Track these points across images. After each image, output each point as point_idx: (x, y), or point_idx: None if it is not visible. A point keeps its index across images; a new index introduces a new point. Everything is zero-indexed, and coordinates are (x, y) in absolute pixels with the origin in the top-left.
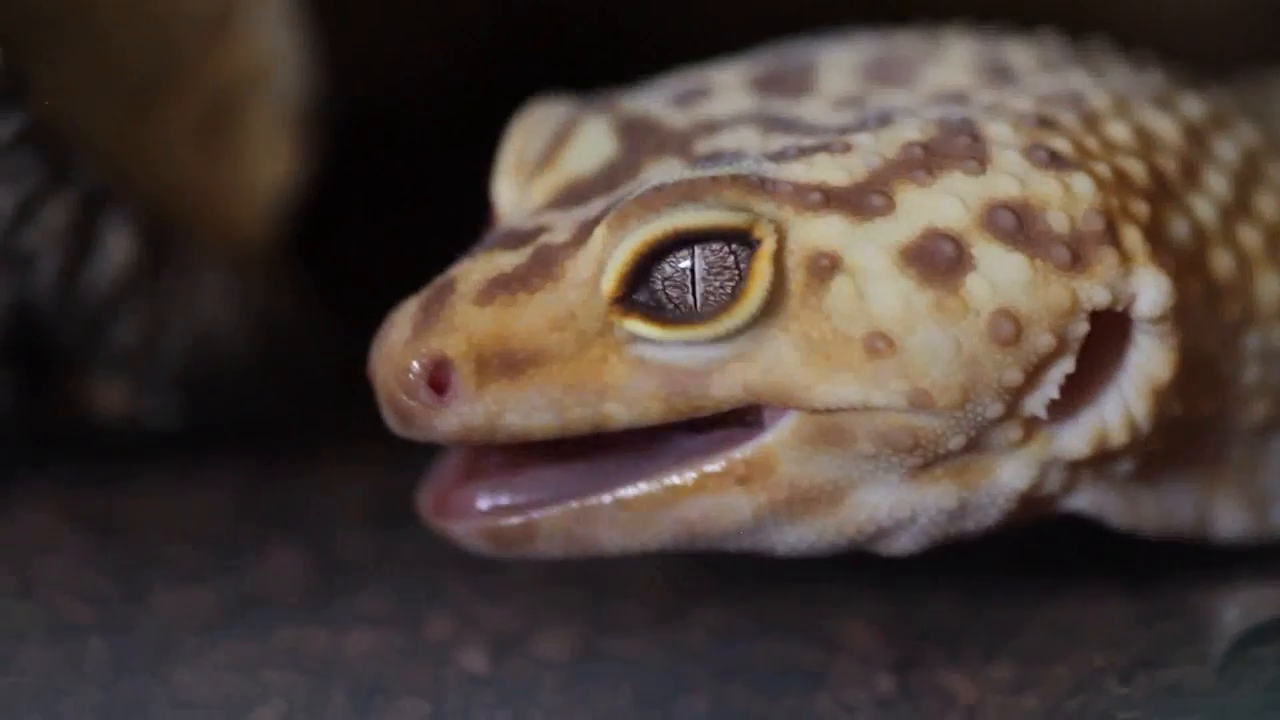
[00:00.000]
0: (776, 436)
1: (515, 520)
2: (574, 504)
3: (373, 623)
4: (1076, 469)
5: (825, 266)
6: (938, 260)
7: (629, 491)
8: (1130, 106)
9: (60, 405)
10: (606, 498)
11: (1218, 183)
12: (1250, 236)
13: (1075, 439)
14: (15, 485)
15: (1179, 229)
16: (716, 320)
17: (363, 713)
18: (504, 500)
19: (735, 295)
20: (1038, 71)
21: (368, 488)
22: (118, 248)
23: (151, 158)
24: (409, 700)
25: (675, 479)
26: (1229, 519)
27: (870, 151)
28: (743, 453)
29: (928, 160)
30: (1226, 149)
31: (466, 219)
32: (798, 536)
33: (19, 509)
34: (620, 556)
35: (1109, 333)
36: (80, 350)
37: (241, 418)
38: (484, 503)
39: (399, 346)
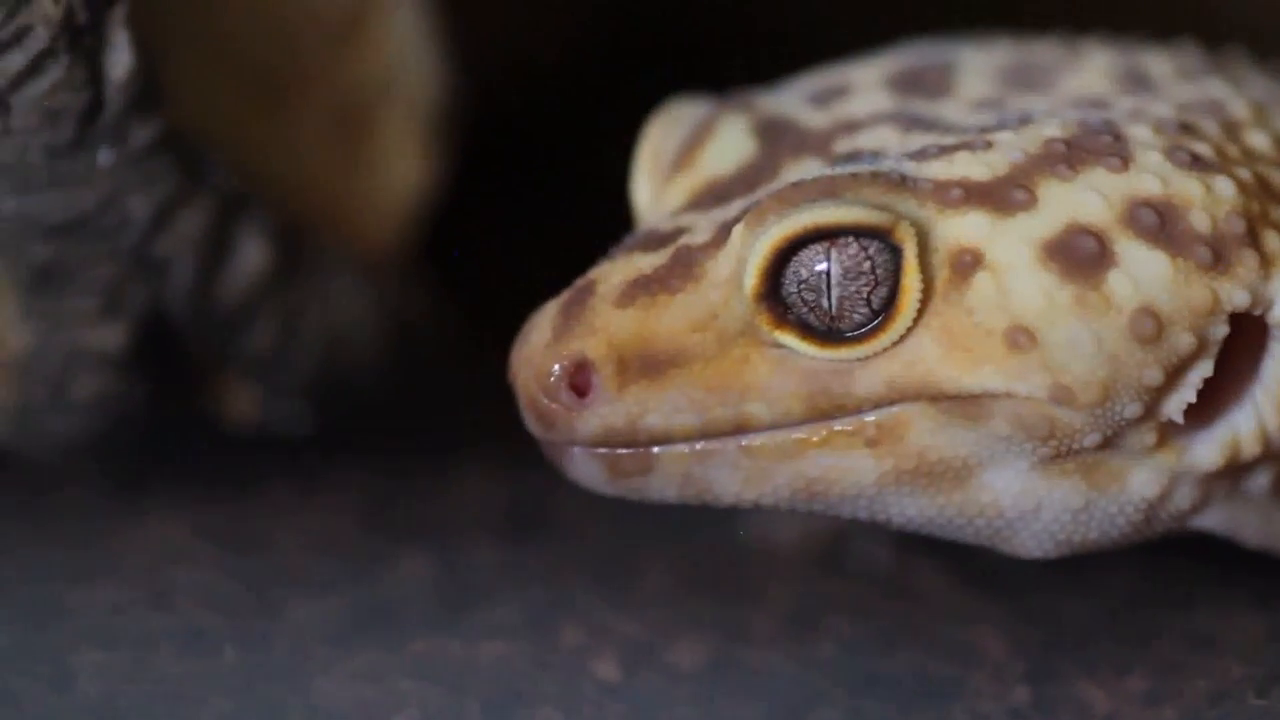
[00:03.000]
0: (912, 405)
1: (635, 450)
2: (698, 444)
3: (505, 632)
4: (1209, 483)
5: (968, 263)
6: (1080, 255)
7: (755, 439)
8: (1270, 116)
9: (194, 411)
10: (731, 442)
11: None
12: None
13: (1208, 449)
14: (148, 493)
15: None
16: (873, 339)
17: None
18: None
19: (884, 309)
20: (1177, 80)
21: (498, 495)
22: (252, 253)
23: (283, 162)
24: (542, 710)
25: (803, 433)
26: None
27: (1012, 147)
28: (875, 416)
29: (1070, 156)
30: None
31: (597, 217)
32: (918, 509)
33: (151, 517)
34: (733, 507)
35: (1247, 341)
36: (213, 356)
37: (373, 423)
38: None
39: (540, 349)
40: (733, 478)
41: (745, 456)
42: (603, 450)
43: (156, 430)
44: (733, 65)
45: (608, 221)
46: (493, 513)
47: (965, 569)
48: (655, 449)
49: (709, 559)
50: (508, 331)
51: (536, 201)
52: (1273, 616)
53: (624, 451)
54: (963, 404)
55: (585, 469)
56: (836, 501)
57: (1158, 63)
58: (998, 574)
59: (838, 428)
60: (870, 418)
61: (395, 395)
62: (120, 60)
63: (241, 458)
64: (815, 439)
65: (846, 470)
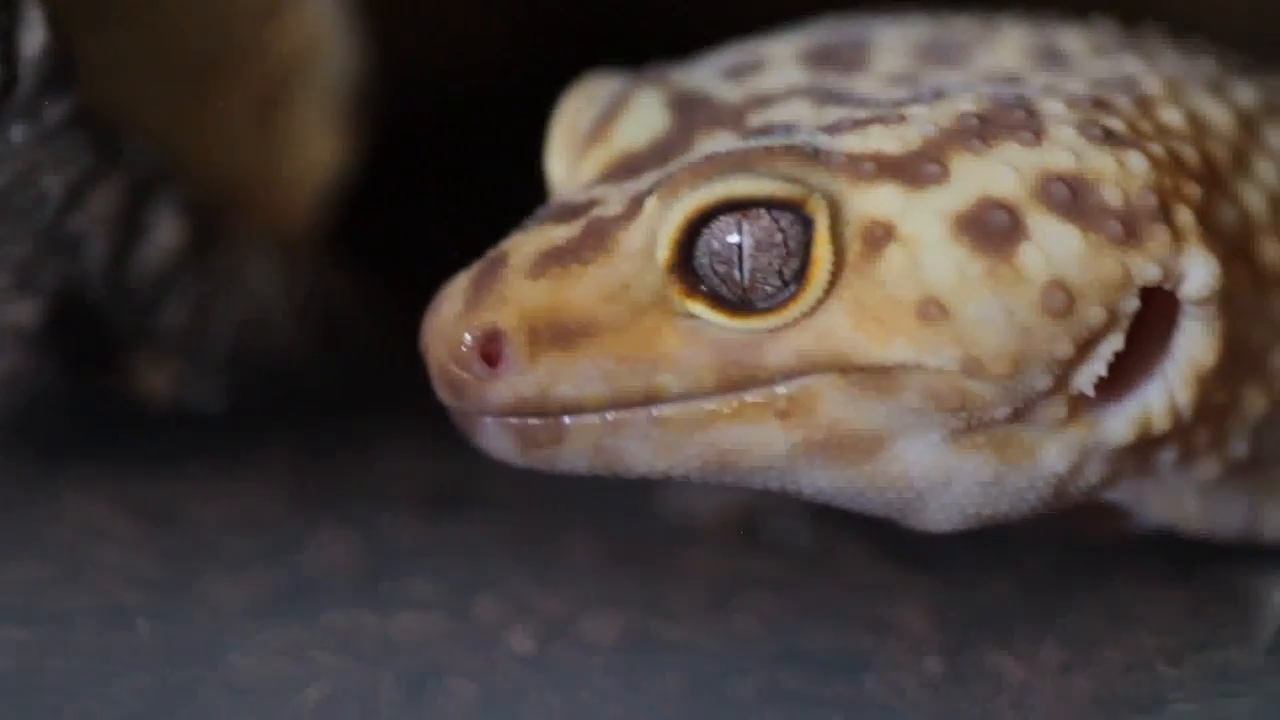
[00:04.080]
0: (822, 377)
1: (546, 421)
2: (609, 414)
3: (422, 606)
4: (1119, 459)
5: (879, 236)
6: (992, 229)
7: (666, 409)
8: (1183, 92)
9: (109, 388)
10: (642, 412)
11: (1268, 172)
12: None
13: (1119, 424)
14: (65, 470)
15: (1228, 215)
16: (783, 310)
17: (412, 695)
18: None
19: (795, 281)
20: (1091, 56)
21: (417, 471)
22: (166, 231)
23: (203, 141)
24: (458, 682)
25: (714, 404)
26: (1278, 520)
27: (925, 121)
28: (786, 388)
29: (983, 130)
30: (1278, 138)
31: (515, 196)
32: (829, 480)
33: (69, 493)
34: (643, 477)
35: (1158, 316)
36: (129, 333)
37: (290, 401)
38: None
39: (451, 319)
40: (643, 448)
41: (656, 427)
42: (514, 421)
43: (73, 407)
44: (665, 47)
45: (528, 201)
46: (412, 489)
47: (884, 543)
48: (566, 419)
49: (627, 534)
50: (425, 309)
51: (466, 181)
52: (1189, 589)
53: (535, 422)
54: (874, 376)
55: (496, 440)
56: (747, 473)
57: (1073, 39)
58: (916, 547)
59: (749, 399)
60: (781, 389)
61: (313, 373)
62: (33, 37)
63: (159, 435)
64: (726, 410)
65: (757, 441)
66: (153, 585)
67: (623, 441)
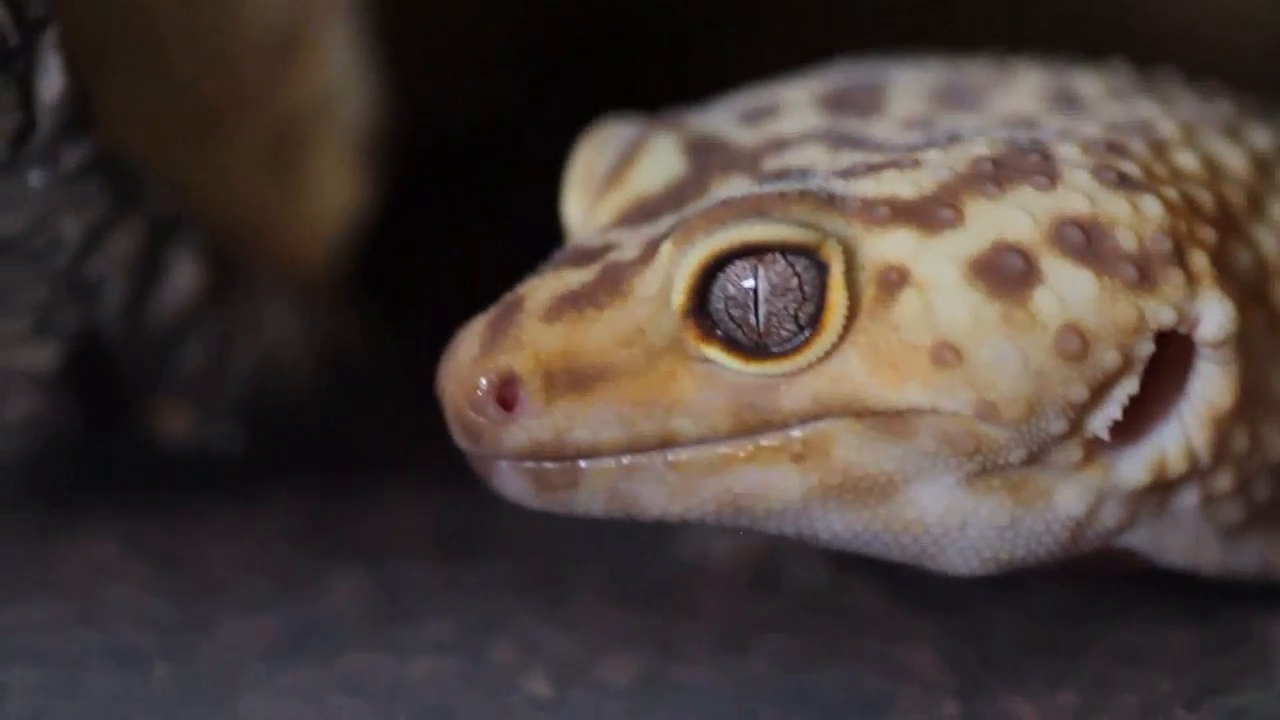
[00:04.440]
0: (837, 421)
1: (561, 464)
2: (625, 458)
3: (436, 649)
4: (1137, 501)
5: (894, 280)
6: (1006, 273)
7: (681, 453)
8: (1198, 136)
9: (125, 431)
10: (658, 456)
11: None
12: None
13: (1134, 467)
14: (80, 512)
15: (1243, 259)
16: (798, 355)
17: None
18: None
19: (810, 325)
20: (1106, 100)
21: (430, 514)
22: (184, 275)
23: (217, 186)
24: None
25: (730, 448)
26: None
27: (939, 165)
28: (802, 431)
29: (997, 174)
30: None
31: (532, 241)
32: (844, 525)
33: (84, 536)
34: (659, 521)
35: (1173, 359)
36: (146, 376)
37: (305, 444)
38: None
39: (467, 363)
40: (659, 492)
41: (671, 471)
42: (529, 464)
43: (89, 450)
44: (681, 91)
45: (544, 244)
46: (425, 530)
47: (898, 585)
48: (582, 463)
49: (641, 575)
50: (441, 352)
51: (483, 226)
52: (1203, 630)
53: (550, 465)
54: (888, 420)
55: (512, 483)
56: (763, 516)
57: (1087, 83)
58: (930, 590)
59: (764, 443)
60: (796, 433)
61: (328, 416)
62: (52, 83)
63: (174, 477)
64: (741, 454)
65: (772, 485)
66: (166, 627)
67: (638, 485)
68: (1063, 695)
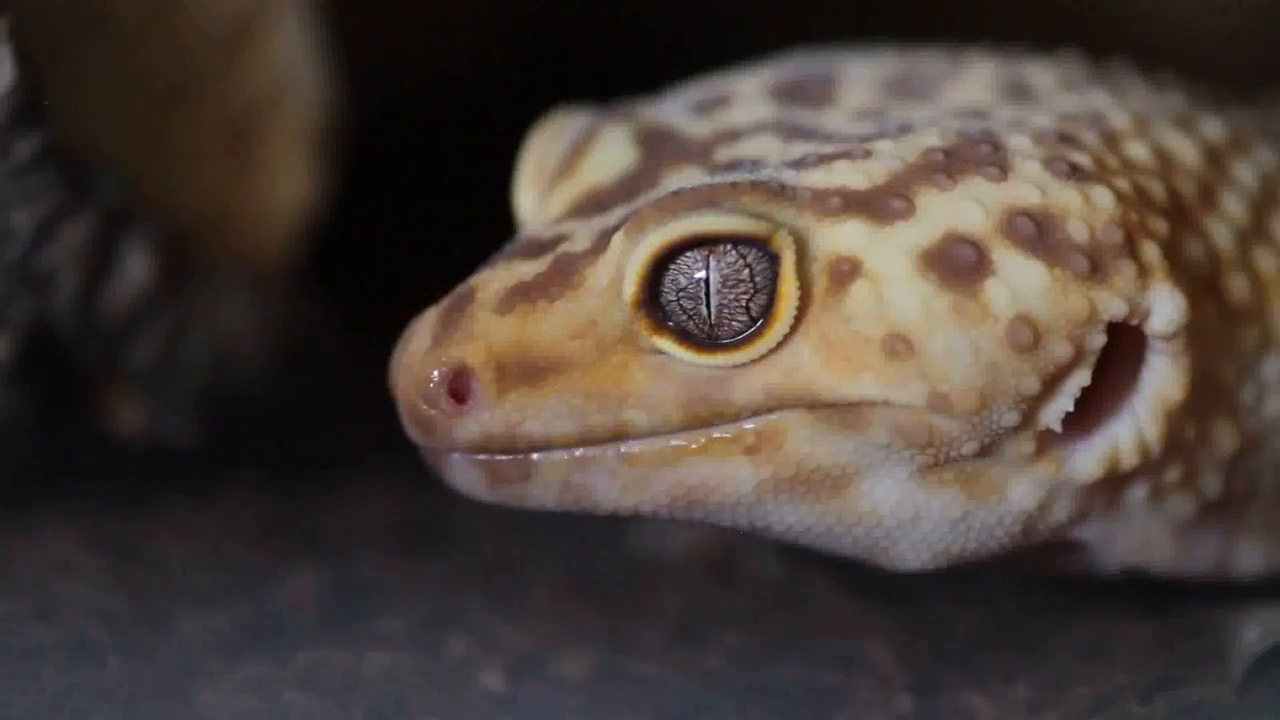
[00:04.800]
0: (790, 413)
1: (514, 457)
2: (577, 450)
3: (392, 643)
4: (1088, 495)
5: (845, 271)
6: (957, 264)
7: (634, 446)
8: (1150, 127)
9: (79, 423)
10: (610, 449)
11: (1235, 206)
12: (1267, 262)
13: (1087, 460)
14: (34, 505)
15: (1195, 251)
16: (750, 345)
17: None
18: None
19: (762, 317)
20: (1058, 91)
21: (386, 508)
22: (137, 266)
23: (171, 176)
24: None
25: (682, 440)
26: (1251, 557)
27: (891, 156)
28: (754, 424)
29: (948, 165)
30: (1245, 173)
31: (486, 232)
32: (797, 518)
33: (37, 529)
34: (612, 515)
35: (1125, 351)
36: (99, 368)
37: (260, 437)
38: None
39: (419, 355)
40: (611, 485)
41: (624, 464)
42: (482, 457)
43: (43, 442)
44: (636, 80)
45: (497, 235)
46: (381, 525)
47: (854, 580)
48: (535, 456)
49: (597, 570)
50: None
51: (436, 215)
52: (1159, 625)
53: (503, 458)
54: (841, 412)
55: (464, 476)
56: (716, 510)
57: (1040, 73)
58: (886, 585)
59: (716, 435)
60: (749, 425)
61: (283, 408)
62: (2, 74)
63: (129, 470)
64: (694, 446)
65: (725, 478)
66: (121, 621)
67: (591, 478)
68: (1017, 689)
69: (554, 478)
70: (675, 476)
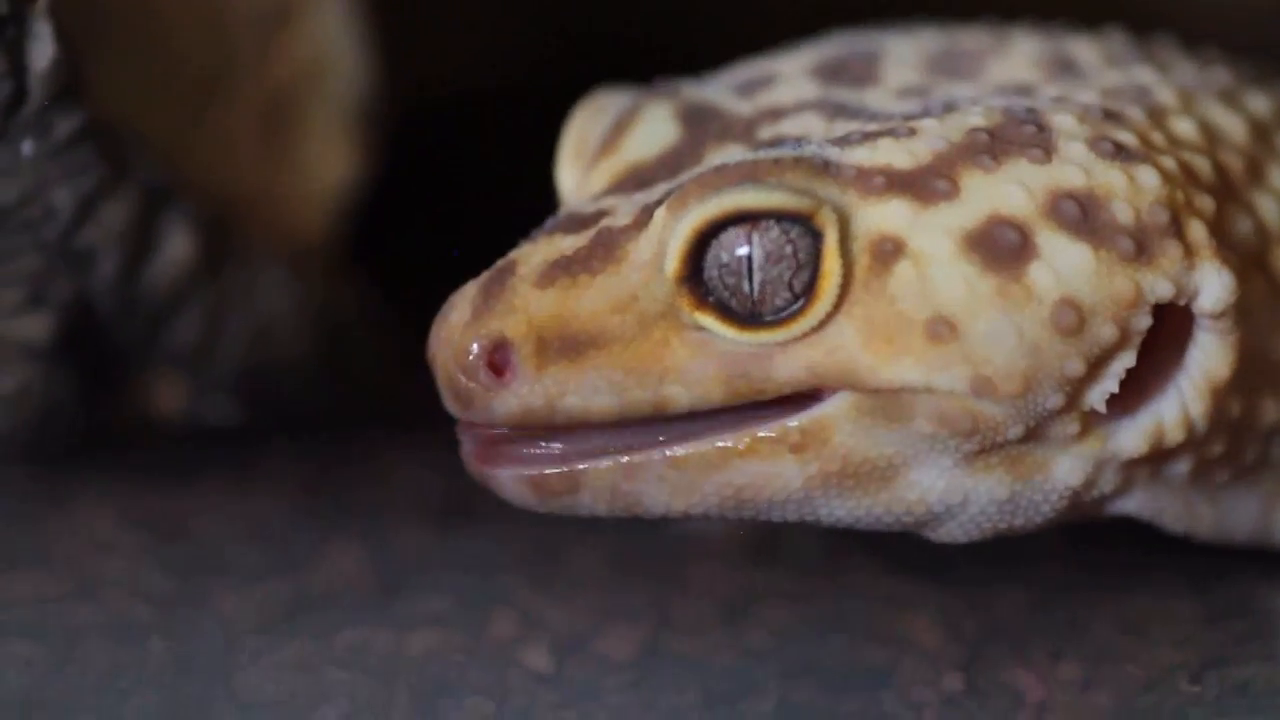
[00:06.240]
0: (834, 407)
1: (561, 469)
2: (624, 458)
3: (435, 621)
4: (1131, 469)
5: (889, 251)
6: (1001, 247)
7: (680, 450)
8: (1196, 102)
9: (120, 403)
10: (656, 454)
11: None
12: None
13: (1132, 437)
14: (75, 484)
15: (1242, 226)
16: (792, 323)
17: (426, 712)
18: (552, 449)
19: (804, 294)
20: (1103, 67)
21: (428, 485)
22: (177, 246)
23: (210, 156)
24: (472, 700)
25: (728, 441)
26: None
27: (935, 136)
28: (798, 420)
29: (993, 146)
30: None
31: (526, 210)
32: (846, 510)
33: (79, 508)
34: (663, 519)
35: (1171, 330)
36: (139, 348)
37: (300, 415)
38: (530, 450)
39: (459, 328)
40: (660, 490)
41: (671, 468)
42: (528, 472)
43: (83, 422)
44: (677, 65)
45: (537, 213)
46: (423, 502)
47: (899, 555)
48: (581, 465)
49: (640, 547)
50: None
51: (477, 196)
52: (1207, 601)
53: (550, 472)
54: (885, 403)
55: (512, 491)
56: (765, 507)
57: (1085, 49)
58: (931, 560)
59: (761, 434)
60: (794, 423)
61: (323, 387)
62: (43, 51)
63: (169, 449)
64: (740, 447)
65: (773, 476)
66: (162, 600)
67: (639, 485)
68: (1065, 667)
69: (602, 486)
70: (723, 478)
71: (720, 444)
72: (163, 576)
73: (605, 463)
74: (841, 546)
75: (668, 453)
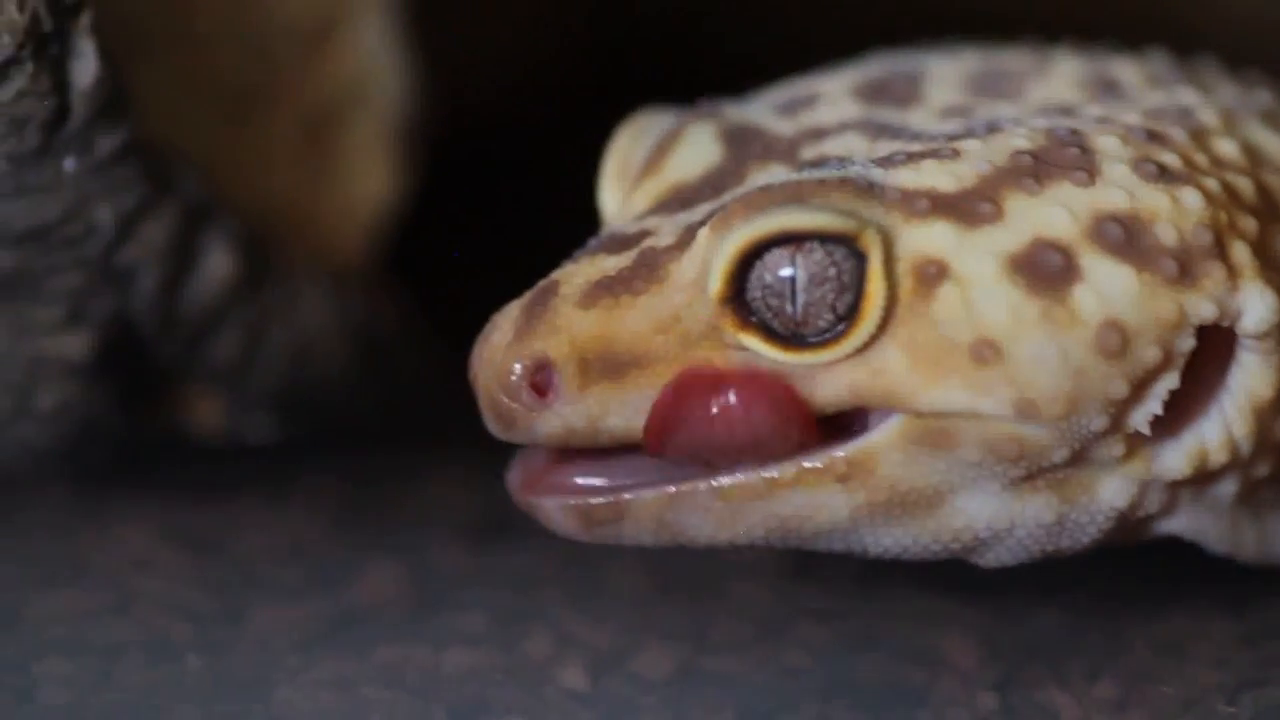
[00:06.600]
0: (881, 437)
1: (606, 499)
2: (669, 488)
3: (472, 640)
4: (1176, 490)
5: (933, 274)
6: (1046, 270)
7: (725, 480)
8: (1239, 123)
9: (159, 420)
10: (702, 485)
11: None
12: None
13: (1176, 458)
14: (114, 500)
15: None
16: (836, 345)
17: None
18: (597, 481)
19: (848, 316)
20: (1145, 88)
21: (465, 503)
22: (218, 263)
23: (251, 172)
24: (509, 718)
25: (774, 472)
26: None
27: (979, 158)
28: (845, 451)
29: (1036, 169)
30: None
31: (566, 230)
32: (893, 540)
33: (117, 525)
34: (708, 549)
35: (1214, 351)
36: (180, 364)
37: (339, 432)
38: (577, 480)
39: (501, 348)
40: (705, 521)
41: (716, 499)
42: (574, 502)
43: (123, 439)
44: (720, 75)
45: (578, 233)
46: (460, 520)
47: (934, 575)
48: (626, 495)
49: (676, 566)
50: (474, 340)
51: (517, 213)
52: (1243, 622)
53: (596, 501)
54: (931, 432)
55: (559, 521)
56: (811, 538)
57: (1127, 70)
58: (967, 580)
59: (807, 465)
60: (840, 454)
61: (362, 404)
62: (86, 68)
63: (208, 466)
64: (786, 478)
65: (819, 507)
66: (200, 617)
67: (684, 515)
68: (1101, 687)
69: (647, 517)
70: (769, 509)
71: (766, 475)
72: (201, 593)
73: (650, 493)
74: (877, 565)
75: (713, 483)
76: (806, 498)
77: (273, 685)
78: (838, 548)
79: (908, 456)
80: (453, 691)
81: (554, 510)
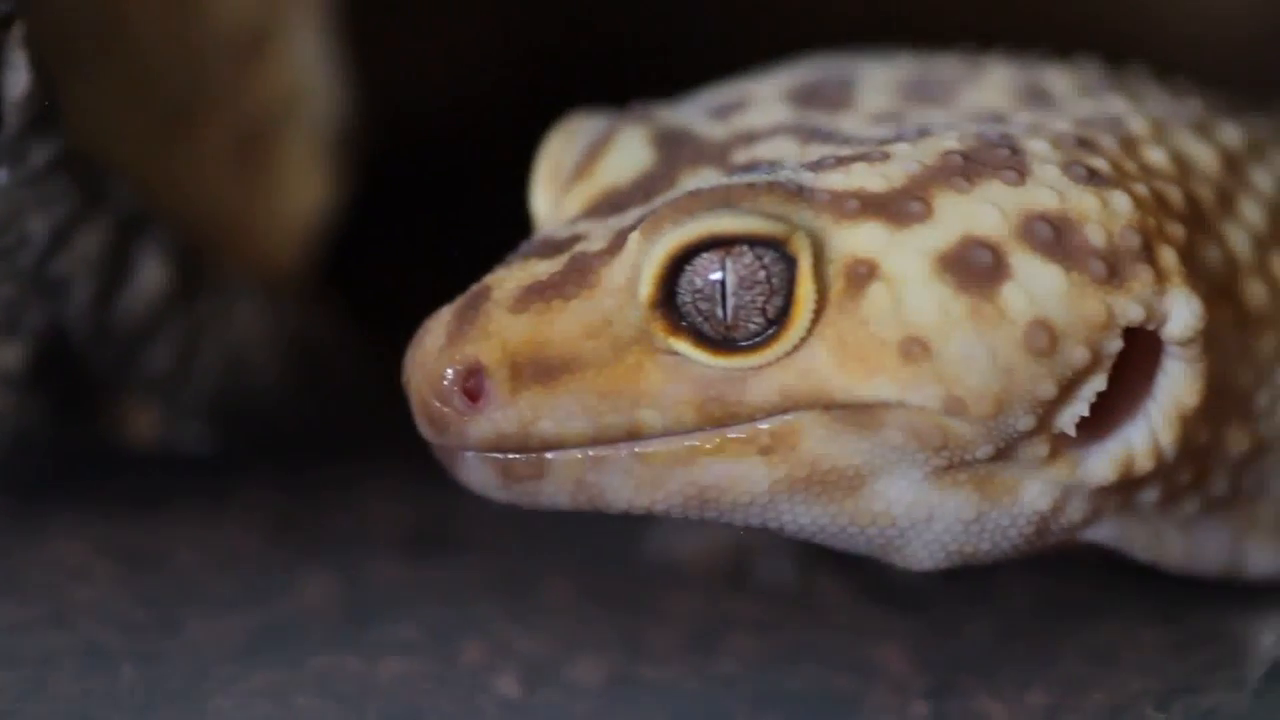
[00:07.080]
0: (805, 413)
1: (528, 455)
2: (590, 450)
3: (407, 649)
4: (1101, 497)
5: (862, 274)
6: (975, 268)
7: (648, 445)
8: (1168, 133)
9: (93, 430)
10: (624, 449)
11: (1253, 212)
12: None
13: (1101, 464)
14: (48, 511)
15: (1212, 256)
16: (766, 349)
17: None
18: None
19: (778, 319)
20: (1076, 96)
21: (400, 513)
22: (151, 274)
23: (185, 183)
24: None
25: (696, 440)
26: (1263, 558)
27: (909, 159)
28: (769, 423)
29: (967, 168)
30: (1263, 179)
31: (497, 238)
32: (810, 519)
33: (51, 536)
34: (625, 514)
35: (1141, 358)
36: (113, 375)
37: (274, 443)
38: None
39: (433, 353)
40: (625, 484)
41: (638, 463)
42: (495, 455)
43: (57, 449)
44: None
45: (512, 239)
46: (395, 530)
47: (867, 583)
48: (549, 455)
49: (611, 575)
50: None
51: (450, 223)
52: (1174, 629)
53: (516, 457)
54: (856, 413)
55: (477, 474)
56: (729, 509)
57: (1058, 78)
58: (901, 589)
59: (731, 435)
60: (764, 425)
61: (297, 415)
62: (18, 80)
63: (143, 477)
64: (709, 446)
65: (739, 477)
66: (134, 627)
67: (605, 477)
68: (1033, 695)
69: (567, 476)
70: (689, 476)
71: (689, 442)
72: (135, 604)
73: (572, 453)
74: (812, 575)
75: (636, 448)
76: (727, 468)
77: (207, 695)
78: (754, 522)
79: (831, 434)
80: (386, 700)
81: (474, 463)
